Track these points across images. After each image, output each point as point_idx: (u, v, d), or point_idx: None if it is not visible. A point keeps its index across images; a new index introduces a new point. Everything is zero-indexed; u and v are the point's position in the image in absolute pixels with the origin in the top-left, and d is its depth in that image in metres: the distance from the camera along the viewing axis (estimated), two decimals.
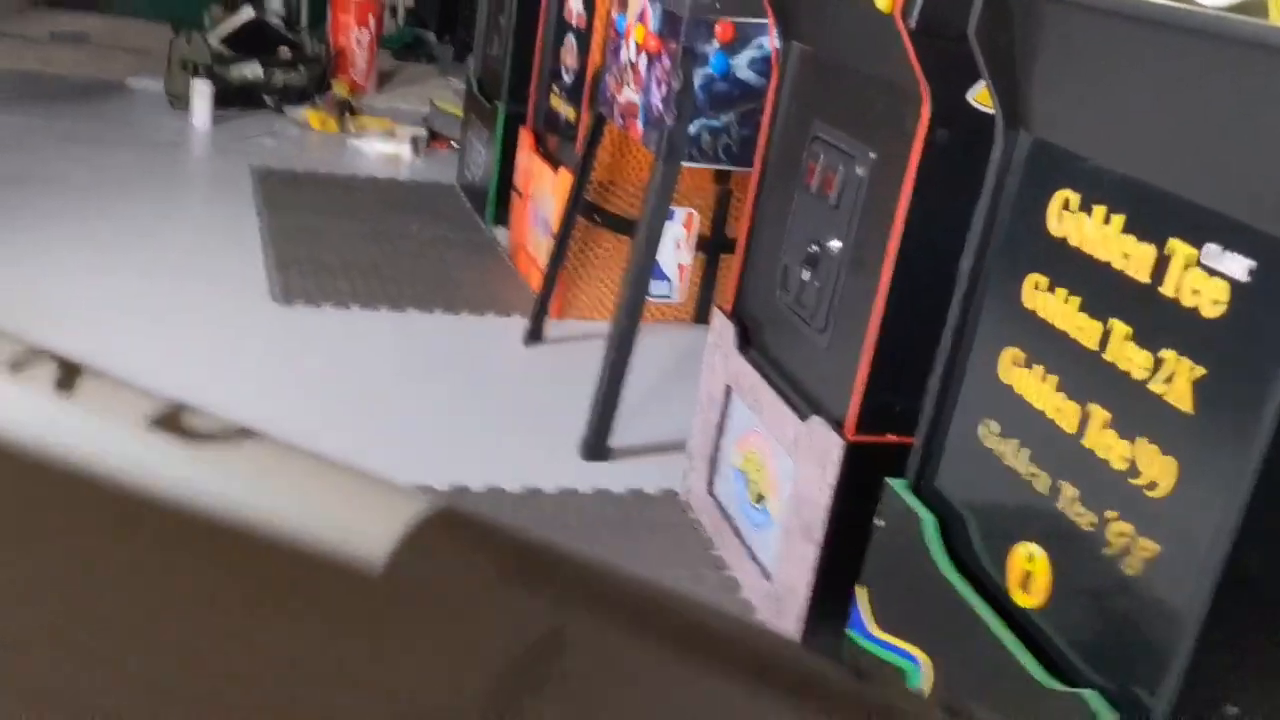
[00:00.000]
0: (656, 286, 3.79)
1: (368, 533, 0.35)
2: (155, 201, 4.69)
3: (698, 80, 2.89)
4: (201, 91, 5.83)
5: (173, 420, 0.38)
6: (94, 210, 4.44)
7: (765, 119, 2.67)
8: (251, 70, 6.27)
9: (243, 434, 0.39)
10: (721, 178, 3.95)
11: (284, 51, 6.50)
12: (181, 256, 4.14)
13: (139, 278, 3.86)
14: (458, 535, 0.36)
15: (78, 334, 3.35)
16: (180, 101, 5.97)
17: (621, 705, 0.33)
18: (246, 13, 6.61)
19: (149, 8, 8.15)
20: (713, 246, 4.08)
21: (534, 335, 3.85)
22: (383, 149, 5.90)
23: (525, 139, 4.52)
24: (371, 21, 7.17)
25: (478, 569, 0.35)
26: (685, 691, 0.33)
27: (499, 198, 4.83)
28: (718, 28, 2.86)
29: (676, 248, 4.00)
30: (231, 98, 6.10)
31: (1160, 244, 1.45)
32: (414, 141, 5.97)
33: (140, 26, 7.72)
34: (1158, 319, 1.45)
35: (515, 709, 0.30)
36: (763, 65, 2.88)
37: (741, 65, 2.91)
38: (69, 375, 0.40)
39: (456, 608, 0.33)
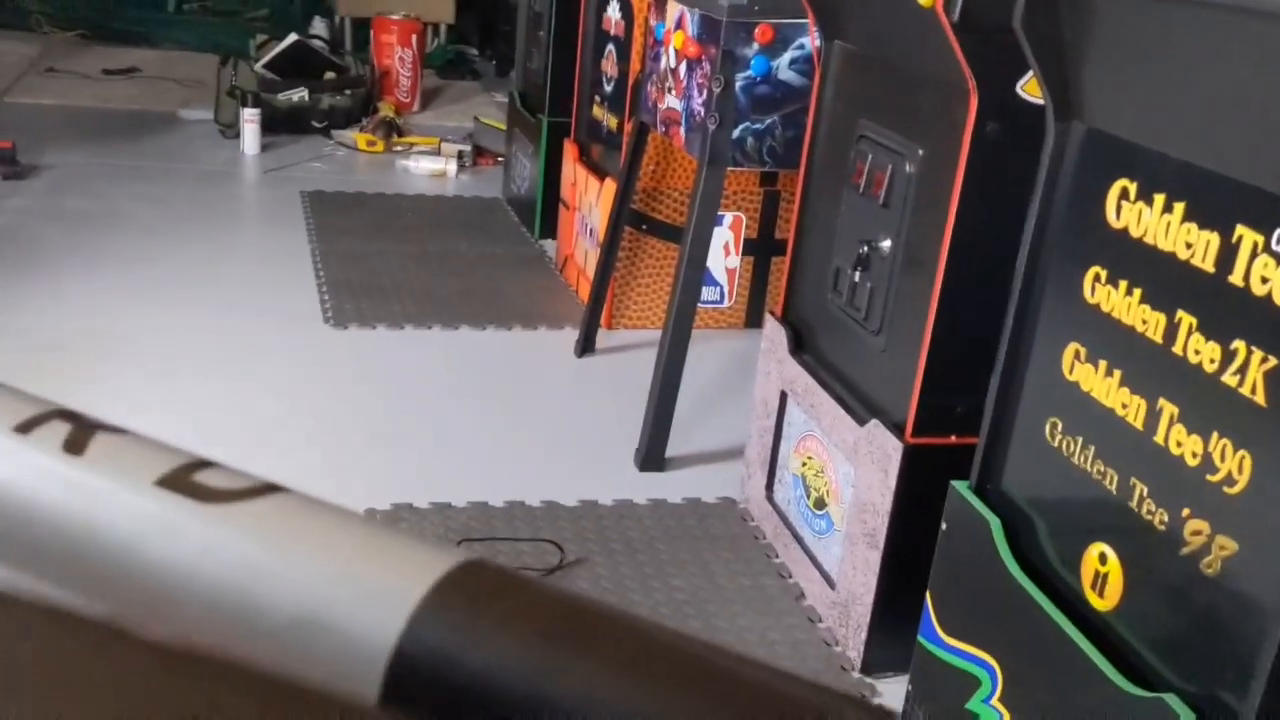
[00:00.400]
0: (706, 293, 3.76)
1: (385, 598, 0.33)
2: (210, 232, 4.76)
3: (739, 84, 2.86)
4: (250, 119, 5.91)
5: (183, 478, 0.37)
6: (151, 243, 4.51)
7: (809, 120, 2.64)
8: (299, 95, 6.34)
9: (259, 490, 0.38)
10: (768, 180, 3.92)
11: (329, 75, 6.57)
12: (237, 285, 4.20)
13: (195, 308, 3.92)
14: (476, 591, 0.34)
15: (137, 368, 3.40)
16: (230, 130, 6.05)
17: None
18: (290, 38, 6.69)
19: (196, 39, 8.30)
20: (761, 250, 4.05)
21: (586, 346, 3.84)
22: (429, 167, 5.94)
23: (569, 150, 4.52)
24: (414, 41, 7.23)
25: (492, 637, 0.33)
26: None
27: (545, 210, 4.83)
28: (757, 30, 2.83)
29: (725, 253, 3.98)
30: (279, 123, 6.18)
31: (1226, 231, 1.40)
32: (459, 158, 6.01)
33: (188, 58, 7.85)
34: (1226, 309, 1.40)
35: None
36: (804, 66, 2.85)
37: (782, 67, 2.88)
38: (80, 434, 0.39)
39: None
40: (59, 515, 0.38)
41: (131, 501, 0.38)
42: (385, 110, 6.59)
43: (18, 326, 3.58)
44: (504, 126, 5.74)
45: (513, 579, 0.35)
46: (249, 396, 3.30)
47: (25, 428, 0.40)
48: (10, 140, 5.11)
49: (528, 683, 0.31)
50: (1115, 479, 1.58)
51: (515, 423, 3.32)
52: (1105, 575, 1.60)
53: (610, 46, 4.14)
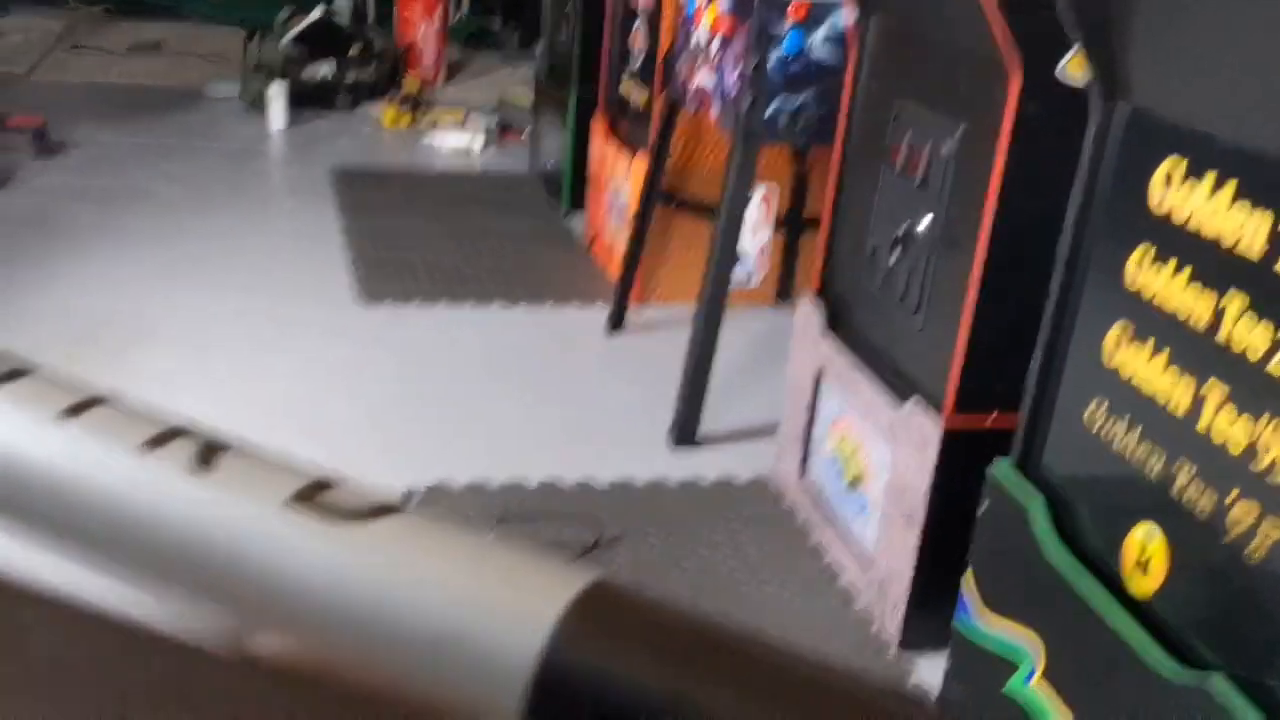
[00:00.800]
0: (736, 270, 3.75)
1: (523, 618, 0.34)
2: (238, 209, 4.78)
3: (772, 61, 2.85)
4: (277, 94, 5.91)
5: (311, 498, 0.38)
6: (180, 223, 4.53)
7: (845, 97, 2.62)
8: (324, 70, 6.34)
9: (383, 510, 0.38)
10: (799, 156, 3.90)
11: (354, 49, 6.57)
12: (266, 263, 4.22)
13: (226, 288, 3.94)
14: (610, 609, 0.35)
15: (170, 349, 3.43)
16: (256, 105, 6.06)
17: None
18: (315, 12, 6.69)
19: (221, 12, 8.30)
20: (792, 226, 4.04)
21: (616, 323, 3.85)
22: (455, 142, 5.94)
23: (598, 126, 4.51)
24: (437, 14, 7.20)
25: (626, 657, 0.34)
26: None
27: (573, 185, 4.83)
28: (790, 6, 2.81)
29: (755, 228, 3.96)
30: (305, 99, 6.18)
31: (1278, 213, 1.39)
32: (486, 133, 6.00)
33: (213, 31, 7.86)
34: (1276, 292, 1.39)
35: None
36: (838, 42, 2.83)
37: (816, 43, 2.86)
38: (208, 453, 0.40)
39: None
40: (188, 533, 0.39)
41: (262, 520, 0.38)
42: (410, 85, 6.59)
43: (49, 307, 3.61)
44: (529, 101, 5.73)
45: (640, 597, 0.36)
46: (282, 375, 3.32)
47: (153, 444, 0.41)
48: (42, 117, 5.14)
49: (665, 701, 0.32)
50: (1160, 462, 1.58)
51: (548, 400, 3.34)
52: (1148, 557, 1.60)
53: (639, 21, 4.12)
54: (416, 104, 6.37)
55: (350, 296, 3.93)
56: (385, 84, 6.59)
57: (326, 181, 5.17)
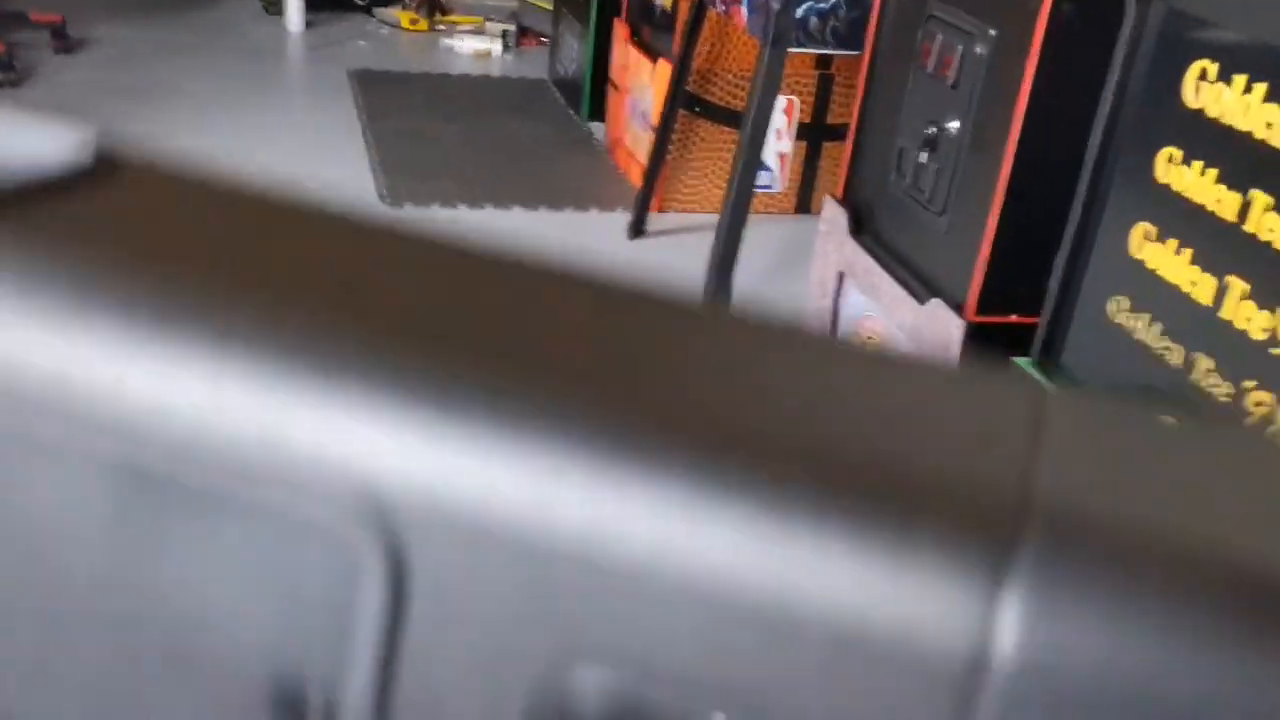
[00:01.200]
0: (758, 177, 3.78)
1: None
2: (260, 108, 4.79)
3: None
4: None
5: None
6: (206, 119, 4.55)
7: (877, 0, 2.64)
8: None
9: None
10: (823, 63, 3.90)
11: None
12: (291, 163, 4.25)
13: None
14: None
15: None
16: (274, 6, 6.02)
17: None
18: None
19: None
20: (814, 135, 4.05)
21: (637, 229, 3.89)
22: (474, 46, 5.91)
23: (620, 30, 4.49)
24: None
25: None
26: None
27: (594, 92, 4.83)
28: None
29: (777, 137, 3.98)
30: (321, 1, 6.14)
31: None
32: (504, 37, 5.97)
33: None
34: None
35: None
36: None
37: None
38: None
39: None
40: None
41: None
42: None
43: None
44: (549, 5, 5.69)
45: None
46: None
47: None
48: (60, 14, 5.12)
49: None
50: (1179, 354, 1.64)
51: None
52: None
53: None
54: (434, 7, 6.32)
55: (375, 197, 3.97)
56: None
57: (346, 83, 5.17)
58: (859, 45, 2.75)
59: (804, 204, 4.06)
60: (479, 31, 6.06)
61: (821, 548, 0.22)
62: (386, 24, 6.23)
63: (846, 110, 3.14)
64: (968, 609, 0.21)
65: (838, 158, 3.14)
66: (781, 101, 3.92)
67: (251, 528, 0.25)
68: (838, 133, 3.64)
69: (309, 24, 5.92)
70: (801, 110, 4.00)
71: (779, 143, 4.02)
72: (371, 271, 0.31)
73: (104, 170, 0.32)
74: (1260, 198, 1.50)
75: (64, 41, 5.03)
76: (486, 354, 0.26)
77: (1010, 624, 0.21)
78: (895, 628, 0.22)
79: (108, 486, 0.26)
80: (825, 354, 0.31)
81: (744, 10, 3.11)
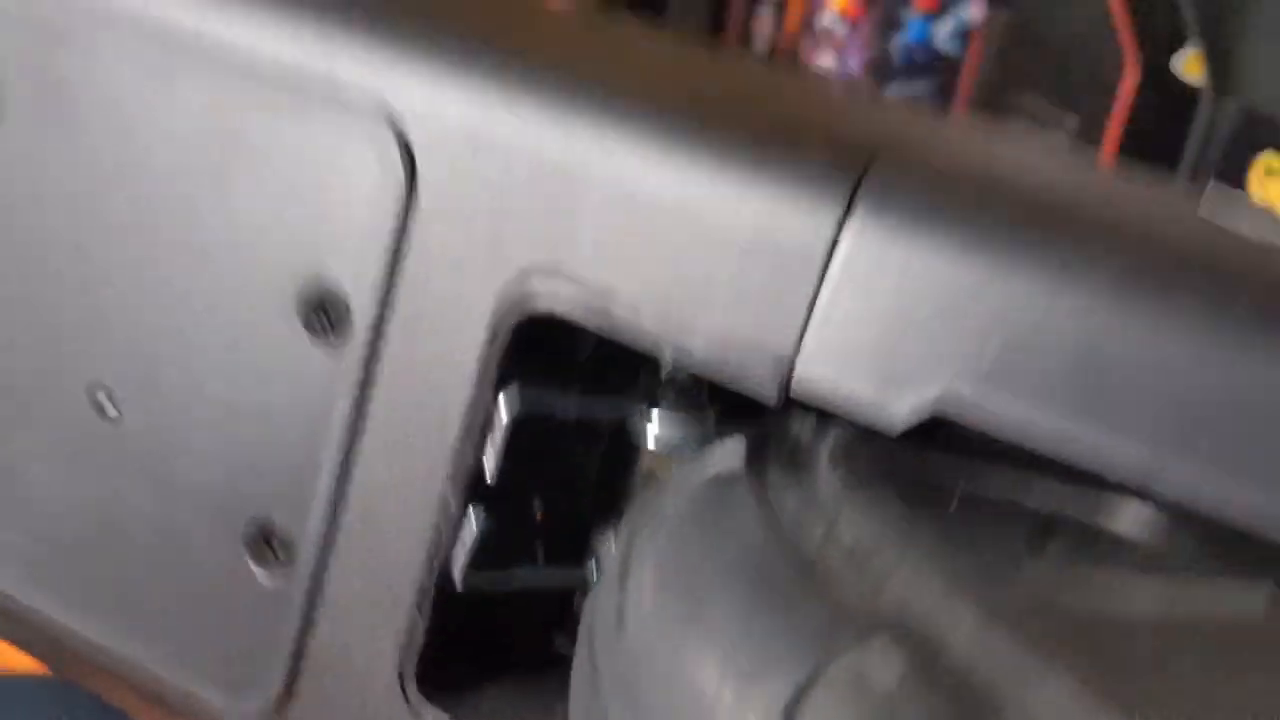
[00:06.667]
0: None
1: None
2: None
3: (897, 47, 2.95)
4: None
5: None
6: None
7: (964, 87, 2.72)
8: None
9: None
10: None
11: None
12: None
13: None
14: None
15: None
16: None
17: None
18: None
19: None
20: None
21: None
22: None
23: None
24: None
25: None
26: None
27: None
28: None
29: None
30: None
31: None
32: None
33: None
34: None
35: None
36: (962, 35, 2.92)
37: (941, 35, 2.96)
38: None
39: None
40: None
41: None
42: None
43: None
44: None
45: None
46: None
47: None
48: None
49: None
50: None
51: None
52: None
53: (763, 7, 4.23)
54: None
55: None
56: None
57: None
58: None
59: None
60: None
61: (725, 173, 0.30)
62: None
63: None
64: (824, 208, 0.29)
65: None
66: None
67: (295, 140, 0.33)
68: None
69: None
70: None
71: None
72: None
73: None
74: None
75: None
76: (514, 44, 0.34)
77: (854, 226, 0.28)
78: (771, 227, 0.29)
79: (186, 91, 0.33)
80: (790, 76, 0.44)
81: None
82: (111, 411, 0.35)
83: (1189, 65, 1.98)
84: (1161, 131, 2.00)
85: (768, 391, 0.29)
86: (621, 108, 0.30)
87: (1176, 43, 1.92)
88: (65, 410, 0.34)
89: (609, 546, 0.35)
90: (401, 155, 0.31)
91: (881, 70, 2.95)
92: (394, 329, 0.31)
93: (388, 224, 0.31)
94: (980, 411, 0.27)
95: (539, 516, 0.34)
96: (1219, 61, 1.75)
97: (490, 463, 0.32)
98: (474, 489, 0.32)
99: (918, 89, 3.02)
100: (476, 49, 0.32)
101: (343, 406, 0.32)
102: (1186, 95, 1.86)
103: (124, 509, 0.35)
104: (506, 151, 0.31)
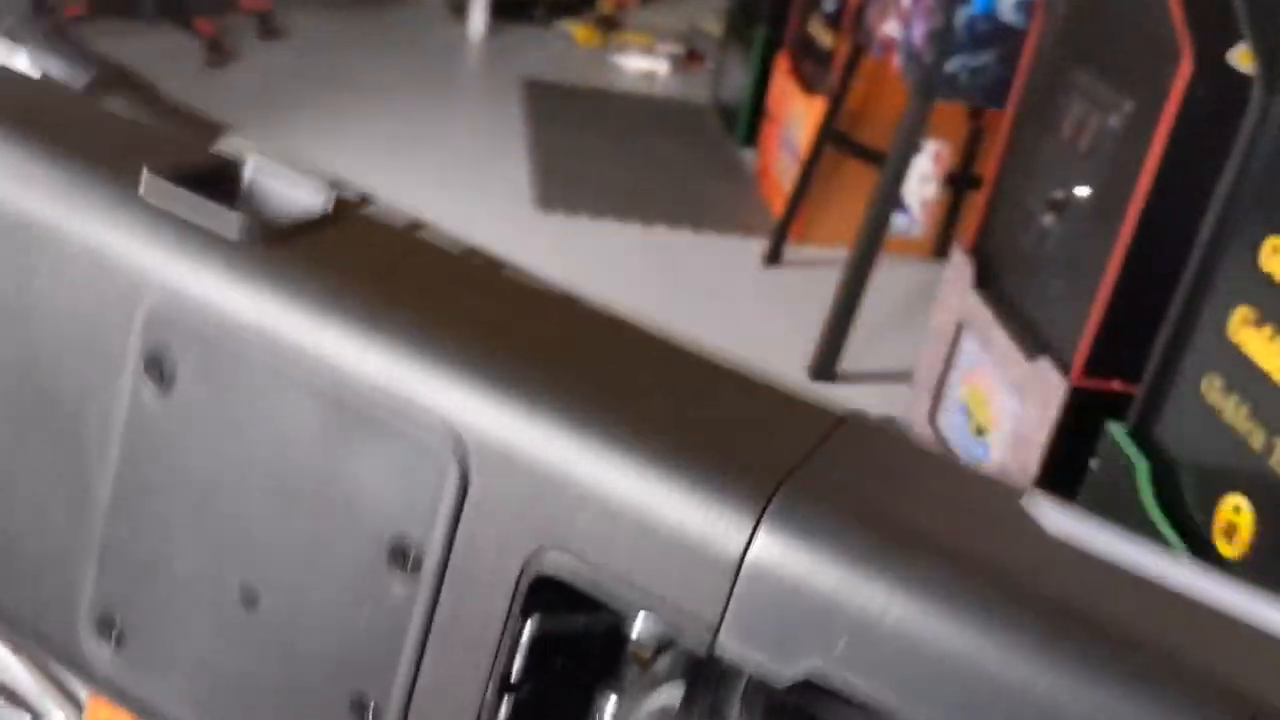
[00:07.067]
0: (899, 219, 3.86)
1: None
2: (433, 105, 5.09)
3: (961, 18, 2.93)
4: (479, 3, 6.18)
5: None
6: (380, 109, 4.86)
7: (1025, 61, 2.70)
8: None
9: None
10: (974, 114, 3.95)
11: None
12: (455, 158, 4.51)
13: (422, 169, 4.25)
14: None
15: None
16: (458, 10, 6.35)
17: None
18: None
19: None
20: (960, 183, 4.10)
21: (773, 257, 4.01)
22: (642, 65, 6.12)
23: (781, 62, 4.62)
24: None
25: None
26: None
27: (751, 120, 4.96)
28: None
29: (922, 182, 4.04)
30: (504, 9, 6.44)
31: None
32: (671, 59, 6.16)
33: None
34: None
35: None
36: (1027, 7, 2.89)
37: (1007, 6, 2.93)
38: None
39: None
40: None
41: None
42: (605, 5, 6.77)
43: None
44: (719, 31, 5.85)
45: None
46: None
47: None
48: (270, 3, 5.53)
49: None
50: (1261, 437, 1.68)
51: (697, 320, 3.54)
52: (1236, 525, 1.71)
53: None
54: (610, 24, 6.56)
55: (527, 201, 4.19)
56: (582, 2, 6.79)
57: (516, 90, 5.43)
58: (1004, 102, 2.81)
59: (942, 249, 4.11)
60: (648, 51, 6.26)
61: (669, 485, 0.41)
62: (562, 36, 6.50)
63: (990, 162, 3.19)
64: (741, 525, 0.40)
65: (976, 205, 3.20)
66: (932, 148, 3.98)
67: (390, 444, 0.45)
68: (982, 183, 3.68)
69: (490, 32, 6.23)
70: (951, 158, 4.05)
71: (924, 188, 4.08)
72: (492, 310, 0.52)
73: (338, 213, 0.53)
74: None
75: (269, 29, 5.44)
76: (537, 365, 0.46)
77: (761, 539, 0.39)
78: (704, 532, 0.40)
79: (315, 406, 0.46)
80: (715, 373, 0.55)
81: (898, 58, 3.20)
82: (257, 603, 0.49)
83: (1244, 57, 1.96)
84: (1214, 123, 1.99)
85: (700, 649, 0.41)
86: (601, 428, 0.42)
87: (1234, 35, 1.90)
88: (224, 597, 0.49)
89: (607, 706, 0.48)
90: (459, 460, 0.44)
91: (943, 41, 2.93)
92: (451, 574, 0.44)
93: (449, 505, 0.44)
94: (837, 679, 0.38)
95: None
96: (1268, 59, 1.73)
97: (517, 666, 0.45)
98: (505, 683, 0.45)
99: (981, 59, 3.00)
100: (512, 385, 0.44)
101: (417, 619, 0.45)
102: (1241, 88, 1.85)
103: (260, 672, 0.49)
104: (529, 461, 0.43)
